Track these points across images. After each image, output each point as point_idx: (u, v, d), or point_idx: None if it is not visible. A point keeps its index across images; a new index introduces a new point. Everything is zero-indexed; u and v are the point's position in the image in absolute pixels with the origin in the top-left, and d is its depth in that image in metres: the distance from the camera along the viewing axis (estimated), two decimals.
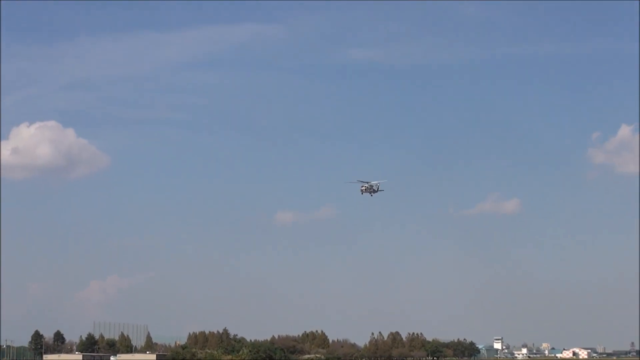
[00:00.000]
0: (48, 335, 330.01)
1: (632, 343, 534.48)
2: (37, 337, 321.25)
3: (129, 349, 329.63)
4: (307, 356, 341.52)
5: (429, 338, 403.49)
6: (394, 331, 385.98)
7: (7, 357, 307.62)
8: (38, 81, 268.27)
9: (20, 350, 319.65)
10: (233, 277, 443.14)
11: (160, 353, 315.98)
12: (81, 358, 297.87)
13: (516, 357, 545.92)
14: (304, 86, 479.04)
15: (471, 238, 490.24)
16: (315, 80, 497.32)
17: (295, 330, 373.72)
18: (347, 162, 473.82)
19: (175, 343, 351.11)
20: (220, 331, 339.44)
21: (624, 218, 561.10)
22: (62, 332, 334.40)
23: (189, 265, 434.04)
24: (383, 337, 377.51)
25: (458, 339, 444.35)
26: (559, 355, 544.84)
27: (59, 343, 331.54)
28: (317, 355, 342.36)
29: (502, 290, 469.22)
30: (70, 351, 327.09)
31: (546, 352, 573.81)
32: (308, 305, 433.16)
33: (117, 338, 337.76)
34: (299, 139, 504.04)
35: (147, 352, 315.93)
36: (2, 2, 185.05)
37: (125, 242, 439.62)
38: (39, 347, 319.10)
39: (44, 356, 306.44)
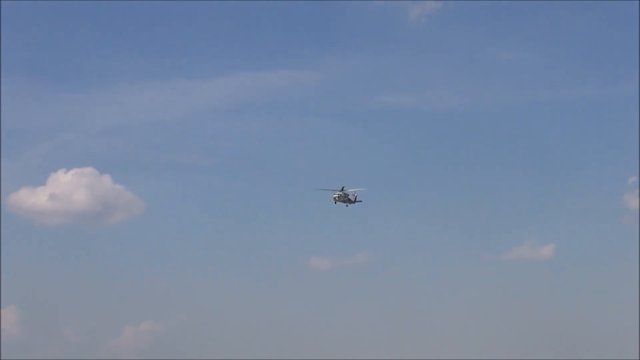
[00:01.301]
0: None
1: None
2: None
3: None
4: None
5: None
6: None
7: None
8: (75, 128, 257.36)
9: None
10: (266, 321, 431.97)
11: None
12: None
13: None
14: (337, 131, 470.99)
15: (509, 284, 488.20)
16: (348, 125, 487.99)
17: None
18: (382, 207, 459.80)
19: None
20: None
21: None
22: None
23: (222, 309, 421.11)
24: None
25: None
26: None
27: None
28: None
29: (545, 338, 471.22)
30: None
31: None
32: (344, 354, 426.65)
33: None
34: (333, 184, 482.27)
35: None
36: (39, 50, 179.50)
37: (160, 286, 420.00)
38: None
39: None
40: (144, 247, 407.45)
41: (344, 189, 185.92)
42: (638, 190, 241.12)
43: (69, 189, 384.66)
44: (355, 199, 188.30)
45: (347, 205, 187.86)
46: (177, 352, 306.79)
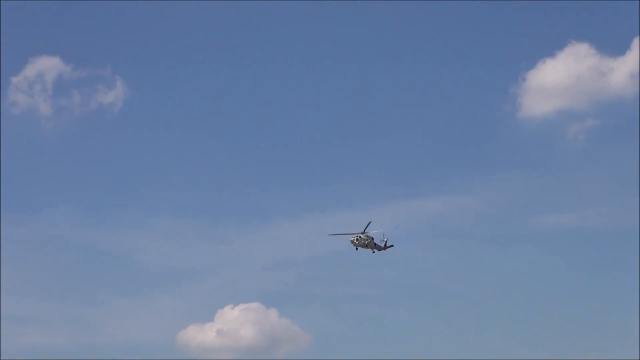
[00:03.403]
0: None
1: None
2: None
3: None
4: None
5: None
6: None
7: None
8: (241, 263, 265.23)
9: None
10: None
11: None
12: None
13: None
14: (500, 256, 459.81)
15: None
16: (510, 249, 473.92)
17: None
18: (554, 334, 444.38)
19: None
20: None
21: None
22: None
23: None
24: None
25: None
26: None
27: None
28: None
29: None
30: None
31: None
32: None
33: None
34: (502, 309, 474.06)
35: None
36: (206, 193, 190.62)
37: None
38: None
39: None
40: None
41: (366, 230, 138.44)
42: None
43: (236, 324, 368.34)
44: (386, 243, 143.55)
45: (373, 252, 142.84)
46: None
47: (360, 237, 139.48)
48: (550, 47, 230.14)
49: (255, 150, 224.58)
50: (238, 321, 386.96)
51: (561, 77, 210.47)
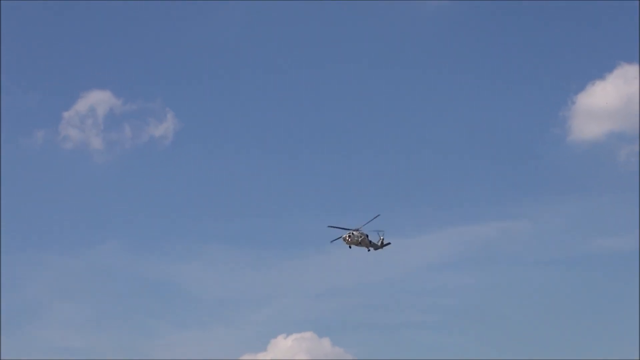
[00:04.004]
0: None
1: None
2: None
3: None
4: None
5: None
6: None
7: None
8: (293, 292, 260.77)
9: None
10: None
11: None
12: None
13: None
14: (554, 280, 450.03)
15: None
16: (565, 273, 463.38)
17: None
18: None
19: None
20: None
21: None
22: None
23: None
24: None
25: None
26: None
27: None
28: None
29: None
30: None
31: None
32: None
33: None
34: (559, 334, 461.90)
35: None
36: (259, 221, 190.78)
37: None
38: None
39: None
40: None
41: (360, 229, 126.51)
42: None
43: (289, 354, 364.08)
44: (382, 241, 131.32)
45: (368, 250, 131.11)
46: None
47: (352, 234, 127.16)
48: (599, 70, 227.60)
49: (306, 178, 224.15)
50: (291, 351, 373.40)
51: (611, 99, 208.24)
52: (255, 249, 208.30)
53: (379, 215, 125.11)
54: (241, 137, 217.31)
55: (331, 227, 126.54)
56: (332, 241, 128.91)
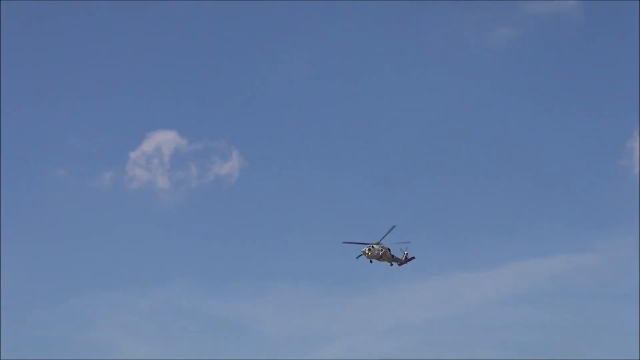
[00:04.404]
0: None
1: None
2: None
3: None
4: None
5: None
6: None
7: None
8: (361, 329, 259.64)
9: None
10: None
11: None
12: None
13: None
14: (626, 313, 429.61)
15: None
16: (636, 307, 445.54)
17: None
18: None
19: None
20: None
21: None
22: None
23: None
24: None
25: None
26: None
27: None
28: None
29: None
30: None
31: None
32: None
33: None
34: None
35: None
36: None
37: None
38: None
39: None
40: None
41: (380, 242, 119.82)
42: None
43: None
44: (406, 256, 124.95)
45: (391, 265, 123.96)
46: None
47: (373, 247, 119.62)
48: None
49: (371, 214, 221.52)
50: None
51: None
52: (322, 286, 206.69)
53: (394, 226, 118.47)
54: (305, 173, 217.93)
55: (346, 242, 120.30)
56: (357, 257, 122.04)
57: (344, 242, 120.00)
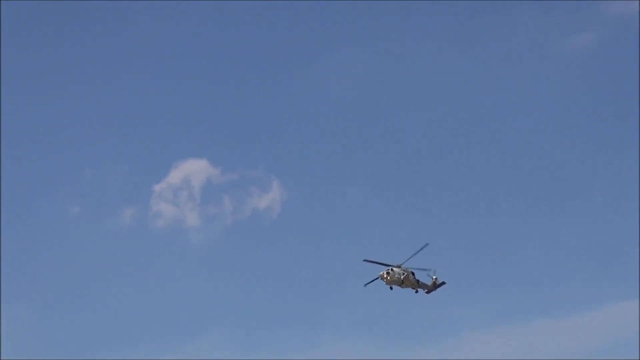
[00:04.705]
0: None
1: None
2: None
3: None
4: None
5: None
6: None
7: None
8: None
9: None
10: None
11: None
12: None
13: None
14: None
15: None
16: None
17: None
18: None
19: None
20: None
21: None
22: None
23: None
24: None
25: None
26: None
27: None
28: None
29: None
30: None
31: None
32: None
33: None
34: None
35: None
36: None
37: None
38: None
39: None
40: None
41: (402, 265, 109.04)
42: None
43: None
44: (435, 281, 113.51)
45: (416, 292, 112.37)
46: None
47: (392, 270, 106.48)
48: None
49: (430, 256, 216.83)
50: None
51: None
52: (376, 338, 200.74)
53: (427, 244, 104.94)
54: (357, 204, 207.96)
55: (367, 261, 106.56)
56: (366, 285, 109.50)
57: (364, 260, 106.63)
